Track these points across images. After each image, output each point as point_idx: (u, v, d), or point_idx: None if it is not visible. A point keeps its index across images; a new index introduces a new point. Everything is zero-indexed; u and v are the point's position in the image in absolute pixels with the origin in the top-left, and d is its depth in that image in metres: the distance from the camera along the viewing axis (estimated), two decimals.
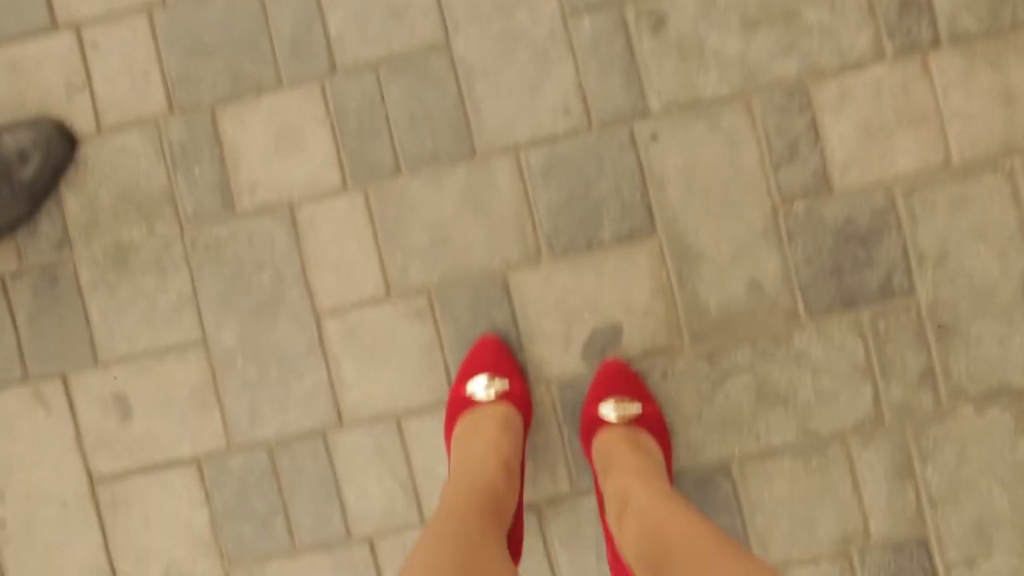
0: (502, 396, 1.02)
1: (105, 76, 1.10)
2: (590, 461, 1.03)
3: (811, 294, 1.06)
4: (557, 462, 1.10)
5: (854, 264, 1.06)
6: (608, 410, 1.01)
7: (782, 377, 1.07)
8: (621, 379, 1.05)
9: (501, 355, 1.05)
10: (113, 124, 1.10)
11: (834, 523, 1.07)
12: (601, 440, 1.00)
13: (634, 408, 1.01)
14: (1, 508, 1.14)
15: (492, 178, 1.08)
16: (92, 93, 1.10)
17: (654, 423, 1.03)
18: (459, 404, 1.03)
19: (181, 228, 1.10)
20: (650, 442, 1.01)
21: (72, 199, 1.11)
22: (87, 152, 1.11)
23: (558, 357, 1.09)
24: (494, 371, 1.04)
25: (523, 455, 1.01)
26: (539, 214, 1.08)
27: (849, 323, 1.06)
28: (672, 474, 1.06)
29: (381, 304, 1.10)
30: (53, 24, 1.10)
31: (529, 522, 1.10)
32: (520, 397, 1.04)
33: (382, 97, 1.08)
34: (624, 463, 0.94)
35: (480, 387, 1.02)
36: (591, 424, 1.03)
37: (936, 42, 1.06)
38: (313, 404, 1.11)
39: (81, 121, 1.11)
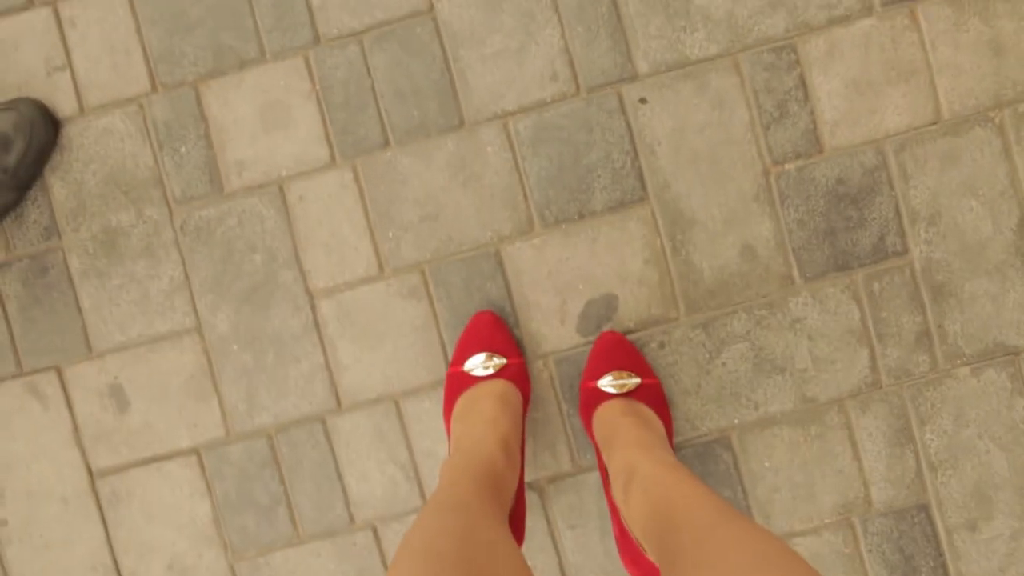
0: (500, 373, 1.02)
1: (85, 54, 1.09)
2: (591, 436, 1.02)
3: (805, 257, 1.06)
4: (558, 439, 1.09)
5: (847, 225, 1.06)
6: (607, 383, 1.01)
7: (779, 344, 1.07)
8: (619, 351, 1.04)
9: (497, 331, 1.05)
10: (96, 104, 1.09)
11: (835, 491, 1.07)
12: (602, 414, 1.00)
13: (633, 381, 1.01)
14: (1, 508, 1.12)
15: (481, 148, 1.07)
16: (73, 72, 1.09)
17: (653, 395, 1.02)
18: (457, 383, 1.03)
19: (170, 211, 1.09)
20: (650, 414, 1.00)
21: (58, 184, 1.10)
22: (71, 134, 1.09)
23: (554, 331, 1.08)
24: (491, 348, 1.03)
25: (523, 433, 1.00)
26: (529, 184, 1.07)
27: (844, 286, 1.06)
28: (673, 446, 1.05)
29: (374, 283, 1.09)
30: (29, 1, 1.09)
31: (531, 501, 1.09)
32: (518, 373, 1.03)
33: (367, 68, 1.07)
34: (627, 436, 0.93)
35: (477, 365, 1.01)
36: (590, 398, 1.02)
37: None
38: (311, 389, 1.09)
39: (63, 102, 1.09)
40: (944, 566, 1.07)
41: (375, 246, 1.08)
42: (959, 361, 1.07)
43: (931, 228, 1.05)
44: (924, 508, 1.07)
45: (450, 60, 1.07)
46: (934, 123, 1.05)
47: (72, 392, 1.11)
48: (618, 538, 0.97)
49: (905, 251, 1.06)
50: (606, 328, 1.08)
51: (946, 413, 1.07)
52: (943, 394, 1.07)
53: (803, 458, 1.07)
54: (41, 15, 1.09)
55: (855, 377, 1.07)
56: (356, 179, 1.08)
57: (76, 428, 1.11)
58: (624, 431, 0.94)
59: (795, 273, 1.06)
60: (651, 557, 0.80)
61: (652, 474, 0.82)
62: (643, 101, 1.06)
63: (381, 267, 1.09)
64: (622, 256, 1.07)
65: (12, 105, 1.04)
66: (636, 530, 0.84)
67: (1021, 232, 1.05)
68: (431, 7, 1.06)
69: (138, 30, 1.09)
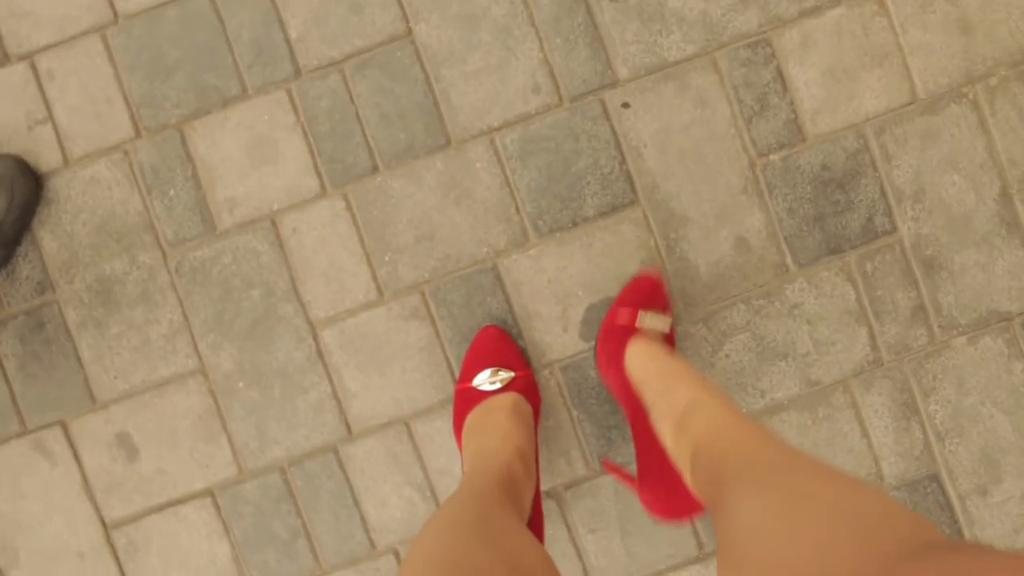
0: (508, 386, 1.02)
1: (66, 105, 1.08)
2: (609, 365, 1.00)
3: (797, 244, 1.07)
4: (571, 445, 1.09)
5: (835, 210, 1.07)
6: (651, 321, 0.99)
7: (779, 331, 1.08)
8: (660, 293, 1.04)
9: (503, 345, 1.05)
10: (80, 154, 1.09)
11: (847, 469, 1.08)
12: (649, 350, 0.97)
13: (667, 322, 1.01)
14: (16, 570, 1.11)
15: (470, 165, 1.08)
16: (55, 124, 1.08)
17: (671, 344, 1.02)
18: (466, 399, 1.02)
19: (164, 255, 1.09)
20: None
21: (48, 237, 1.09)
22: (57, 186, 1.09)
23: (557, 339, 1.08)
24: (497, 362, 1.03)
25: (536, 444, 1.00)
26: (521, 196, 1.08)
27: (837, 269, 1.07)
28: None
29: (375, 308, 1.09)
30: (5, 57, 1.09)
31: (550, 508, 1.10)
32: (527, 385, 1.03)
33: (350, 96, 1.07)
34: (689, 376, 0.88)
35: (485, 380, 1.01)
36: (621, 333, 1.00)
37: None
38: (320, 419, 1.09)
39: (47, 154, 1.09)
40: (960, 532, 1.08)
41: (373, 271, 1.08)
42: (955, 331, 1.08)
43: (917, 205, 1.07)
44: (935, 478, 1.09)
45: (432, 81, 1.07)
46: (911, 103, 1.07)
47: (79, 446, 1.10)
48: (651, 474, 0.92)
49: (894, 229, 1.07)
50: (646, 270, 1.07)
51: (948, 383, 1.08)
52: (943, 365, 1.08)
53: (813, 440, 1.08)
54: (18, 70, 1.08)
55: (856, 356, 1.08)
56: (348, 206, 1.08)
57: (86, 481, 1.10)
58: (683, 370, 0.90)
59: (789, 260, 1.08)
60: (698, 488, 0.77)
61: (719, 409, 0.79)
62: (626, 106, 1.07)
63: (380, 291, 1.09)
64: (618, 259, 1.08)
65: None
66: (686, 461, 0.80)
67: (1004, 202, 1.07)
68: (409, 31, 1.07)
69: (117, 77, 1.08)
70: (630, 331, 1.00)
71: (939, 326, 1.08)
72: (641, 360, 0.96)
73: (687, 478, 0.82)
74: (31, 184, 1.05)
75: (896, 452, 1.08)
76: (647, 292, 1.04)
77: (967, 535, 1.08)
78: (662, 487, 0.91)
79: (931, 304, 1.08)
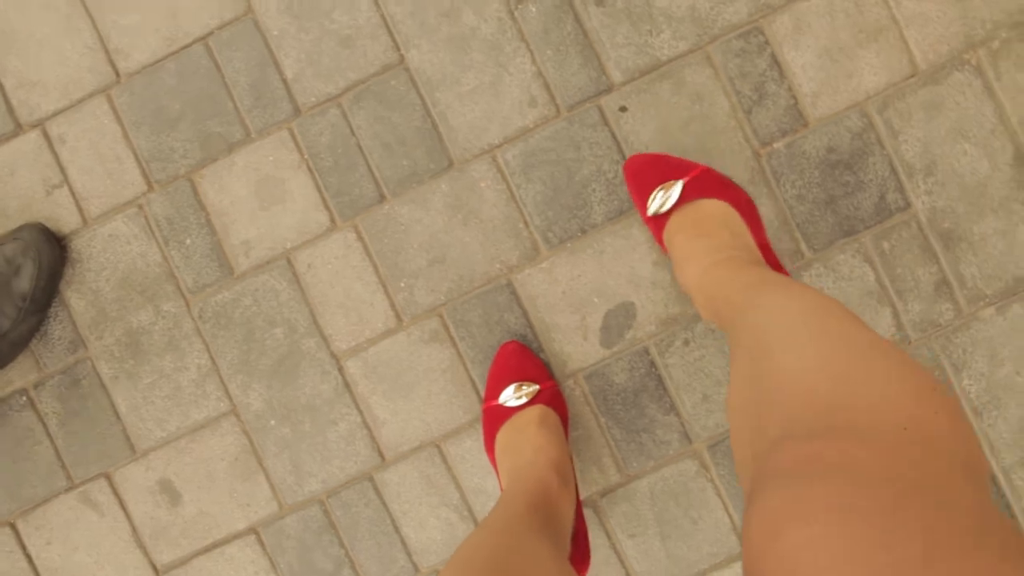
0: (535, 400, 1.02)
1: (79, 167, 1.11)
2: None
3: (810, 230, 1.07)
4: (602, 453, 1.09)
5: (845, 191, 1.06)
6: (656, 205, 0.99)
7: None
8: (647, 169, 1.03)
9: (524, 359, 1.05)
10: (98, 213, 1.11)
11: None
12: (670, 235, 0.99)
13: (676, 189, 0.99)
14: None
15: (474, 185, 1.09)
16: (70, 187, 1.12)
17: (705, 182, 1.00)
18: (494, 417, 1.03)
19: (186, 302, 1.11)
20: (714, 206, 0.98)
21: (75, 297, 1.12)
22: (79, 246, 1.12)
23: (578, 348, 1.09)
24: (521, 377, 1.03)
25: (569, 453, 1.00)
26: (528, 211, 1.08)
27: (853, 251, 1.06)
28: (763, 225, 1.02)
29: (395, 334, 1.10)
30: (17, 127, 1.12)
31: (587, 517, 1.10)
32: (553, 397, 1.04)
33: (351, 128, 1.09)
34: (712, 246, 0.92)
35: (511, 396, 1.02)
36: (658, 225, 1.01)
37: None
38: (353, 449, 1.11)
39: (66, 217, 1.12)
40: (1008, 507, 1.07)
41: (390, 299, 1.10)
42: (982, 303, 1.07)
43: (929, 178, 1.06)
44: None
45: (429, 105, 1.08)
46: (912, 76, 1.06)
47: (124, 495, 1.13)
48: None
49: (907, 205, 1.06)
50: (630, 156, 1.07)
51: (979, 356, 1.07)
52: (972, 338, 1.07)
53: None
54: (31, 138, 1.11)
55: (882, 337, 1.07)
56: (359, 237, 1.10)
57: (134, 529, 1.13)
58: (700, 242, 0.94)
59: (803, 247, 1.07)
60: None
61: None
62: (623, 109, 1.07)
63: (399, 318, 1.10)
64: (631, 263, 1.08)
65: (16, 234, 1.06)
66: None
67: (1018, 165, 1.05)
68: (401, 59, 1.08)
69: (125, 135, 1.11)
70: (660, 221, 1.01)
71: (965, 299, 1.06)
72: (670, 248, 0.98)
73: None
74: (56, 249, 1.08)
75: None
76: (639, 175, 1.03)
77: (1016, 509, 1.06)
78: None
79: (954, 277, 1.06)
